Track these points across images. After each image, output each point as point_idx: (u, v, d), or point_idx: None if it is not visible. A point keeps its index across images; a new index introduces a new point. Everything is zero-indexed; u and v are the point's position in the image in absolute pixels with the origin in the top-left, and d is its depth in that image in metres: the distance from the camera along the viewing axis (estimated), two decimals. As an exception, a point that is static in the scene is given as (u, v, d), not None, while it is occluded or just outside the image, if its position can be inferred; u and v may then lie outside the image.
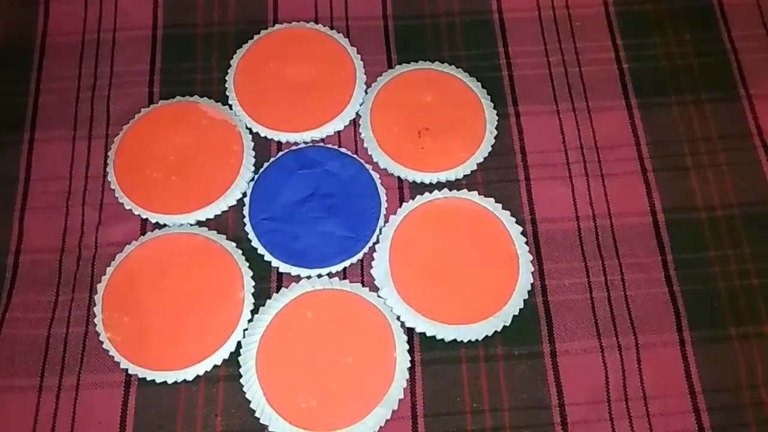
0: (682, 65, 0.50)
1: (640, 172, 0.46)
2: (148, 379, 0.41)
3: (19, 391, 0.40)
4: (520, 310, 0.42)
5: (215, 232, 0.44)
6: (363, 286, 0.43)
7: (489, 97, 0.48)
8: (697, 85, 0.49)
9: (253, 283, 0.43)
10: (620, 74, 0.49)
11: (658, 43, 0.50)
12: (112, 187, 0.45)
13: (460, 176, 0.46)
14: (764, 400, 0.41)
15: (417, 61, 0.49)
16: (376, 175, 0.46)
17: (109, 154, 0.46)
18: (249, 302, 0.42)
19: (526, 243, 0.44)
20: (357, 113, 0.48)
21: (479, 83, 0.48)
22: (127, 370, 0.41)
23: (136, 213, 0.45)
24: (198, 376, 0.41)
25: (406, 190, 0.46)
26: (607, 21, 0.51)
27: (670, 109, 0.48)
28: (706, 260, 0.44)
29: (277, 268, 0.43)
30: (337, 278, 0.43)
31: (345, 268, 0.44)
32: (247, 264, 0.43)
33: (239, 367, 0.41)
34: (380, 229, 0.44)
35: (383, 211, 0.45)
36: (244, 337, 0.41)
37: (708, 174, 0.46)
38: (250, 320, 0.42)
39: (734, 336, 0.42)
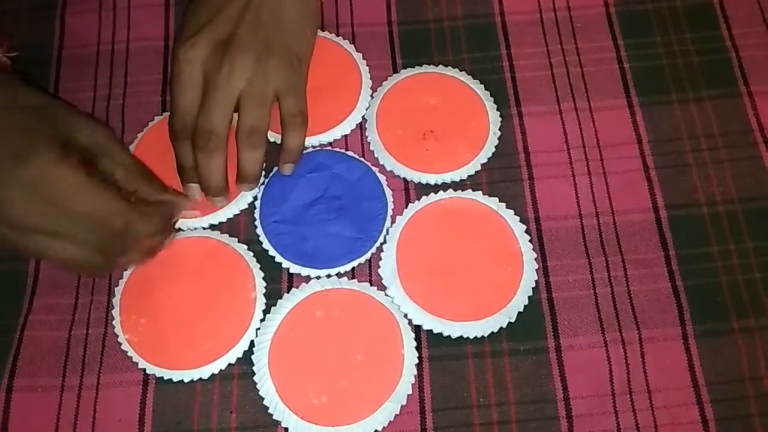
0: (683, 63, 0.50)
1: (642, 170, 0.47)
2: (165, 378, 0.42)
3: (42, 390, 0.42)
4: (525, 306, 0.43)
5: (227, 235, 0.46)
6: (371, 285, 0.44)
7: (492, 98, 0.49)
8: (698, 83, 0.50)
9: (265, 284, 0.44)
10: (621, 73, 0.50)
11: (658, 41, 0.51)
12: (128, 193, 0.47)
13: (465, 177, 0.47)
14: (767, 392, 0.41)
15: (421, 65, 0.50)
16: (382, 177, 0.47)
17: (124, 161, 0.48)
18: (261, 302, 0.43)
19: (530, 241, 0.45)
20: (363, 117, 0.49)
21: (482, 85, 0.49)
22: (144, 369, 0.42)
23: (151, 218, 0.46)
24: (213, 375, 0.42)
25: (412, 191, 0.47)
26: (608, 21, 0.52)
27: (672, 106, 0.49)
28: (708, 255, 0.45)
29: (288, 269, 0.45)
30: (345, 278, 0.44)
31: (353, 268, 0.45)
32: (259, 265, 0.45)
33: (252, 365, 0.42)
34: (387, 230, 0.45)
35: (390, 212, 0.46)
36: (256, 336, 0.43)
37: (709, 170, 0.47)
38: (262, 320, 0.43)
39: (737, 329, 0.43)
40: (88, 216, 0.37)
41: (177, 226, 0.46)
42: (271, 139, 0.48)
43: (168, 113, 0.49)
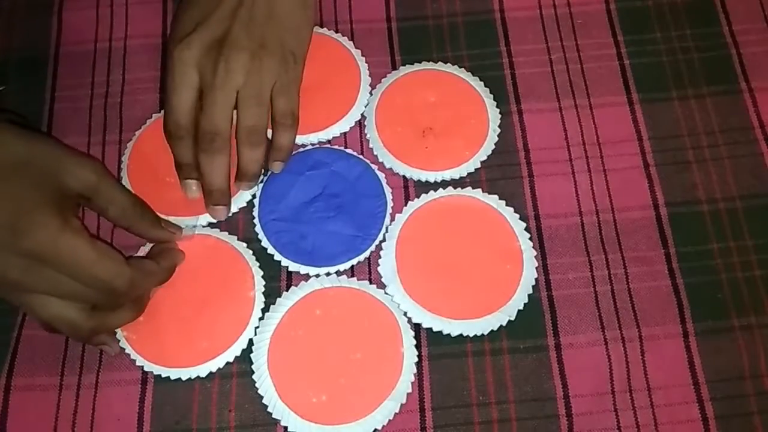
0: (683, 60, 0.50)
1: (642, 167, 0.47)
2: (163, 376, 0.42)
3: (41, 389, 0.42)
4: (525, 304, 0.43)
5: (226, 233, 0.45)
6: (370, 283, 0.44)
7: (492, 95, 0.49)
8: (698, 80, 0.50)
9: (264, 282, 0.44)
10: (621, 70, 0.50)
11: (659, 38, 0.51)
12: (126, 191, 0.47)
13: (464, 174, 0.47)
14: (767, 390, 0.41)
15: (420, 62, 0.50)
16: (381, 175, 0.47)
17: (122, 159, 0.48)
18: (260, 301, 0.43)
19: (530, 238, 0.45)
20: (362, 114, 0.49)
21: (482, 82, 0.49)
22: (142, 367, 0.42)
23: (150, 216, 0.46)
24: (211, 373, 0.42)
25: (411, 189, 0.47)
26: (608, 17, 0.52)
27: (672, 103, 0.49)
28: (708, 252, 0.45)
29: (287, 267, 0.45)
30: (345, 276, 0.44)
31: (353, 266, 0.45)
32: (258, 263, 0.44)
33: (251, 363, 0.42)
34: (386, 228, 0.45)
35: (389, 210, 0.46)
36: (255, 334, 0.43)
37: (710, 167, 0.47)
38: (261, 318, 0.43)
39: (737, 327, 0.43)
40: (92, 281, 0.37)
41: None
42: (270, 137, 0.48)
43: (166, 111, 0.49)
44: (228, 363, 0.42)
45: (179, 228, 0.44)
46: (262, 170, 0.46)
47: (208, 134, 0.42)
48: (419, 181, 0.47)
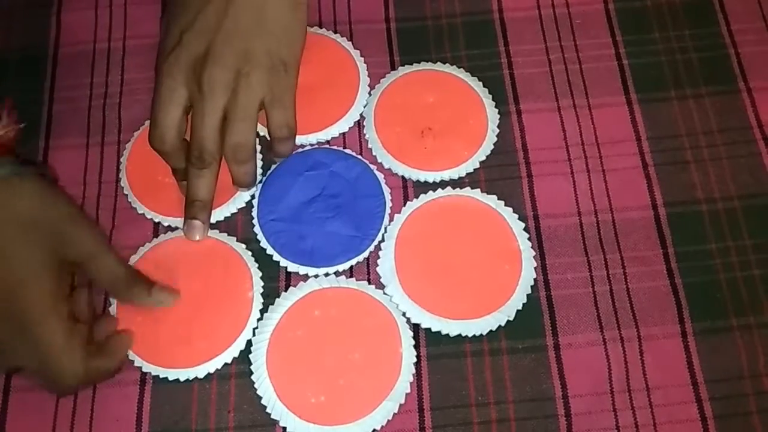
0: (682, 60, 0.50)
1: (641, 167, 0.47)
2: (162, 376, 0.42)
3: (39, 389, 0.41)
4: (524, 304, 0.43)
5: (225, 233, 0.45)
6: (369, 283, 0.44)
7: (490, 95, 0.49)
8: (696, 80, 0.50)
9: (263, 283, 0.44)
10: (620, 70, 0.50)
11: (657, 38, 0.51)
12: (125, 192, 0.47)
13: (463, 174, 0.47)
14: (766, 389, 0.41)
15: (419, 62, 0.50)
16: (380, 175, 0.47)
17: (121, 160, 0.48)
18: (258, 301, 0.43)
19: (529, 239, 0.45)
20: (361, 115, 0.49)
21: (481, 82, 0.49)
22: (141, 368, 0.42)
23: (149, 217, 0.46)
24: (210, 374, 0.42)
25: (410, 189, 0.47)
26: (606, 18, 0.52)
27: (670, 103, 0.49)
28: (707, 252, 0.45)
29: (286, 267, 0.45)
30: (343, 276, 0.44)
31: (351, 267, 0.45)
32: (257, 264, 0.44)
33: (250, 364, 0.42)
34: (385, 228, 0.45)
35: (388, 210, 0.46)
36: (254, 335, 0.43)
37: (708, 167, 0.47)
38: (259, 319, 0.43)
39: (736, 326, 0.43)
40: (44, 367, 0.38)
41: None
42: (261, 133, 0.48)
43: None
44: (227, 364, 0.42)
45: (174, 292, 0.43)
46: (256, 178, 0.46)
47: (196, 150, 0.42)
48: (418, 181, 0.47)
